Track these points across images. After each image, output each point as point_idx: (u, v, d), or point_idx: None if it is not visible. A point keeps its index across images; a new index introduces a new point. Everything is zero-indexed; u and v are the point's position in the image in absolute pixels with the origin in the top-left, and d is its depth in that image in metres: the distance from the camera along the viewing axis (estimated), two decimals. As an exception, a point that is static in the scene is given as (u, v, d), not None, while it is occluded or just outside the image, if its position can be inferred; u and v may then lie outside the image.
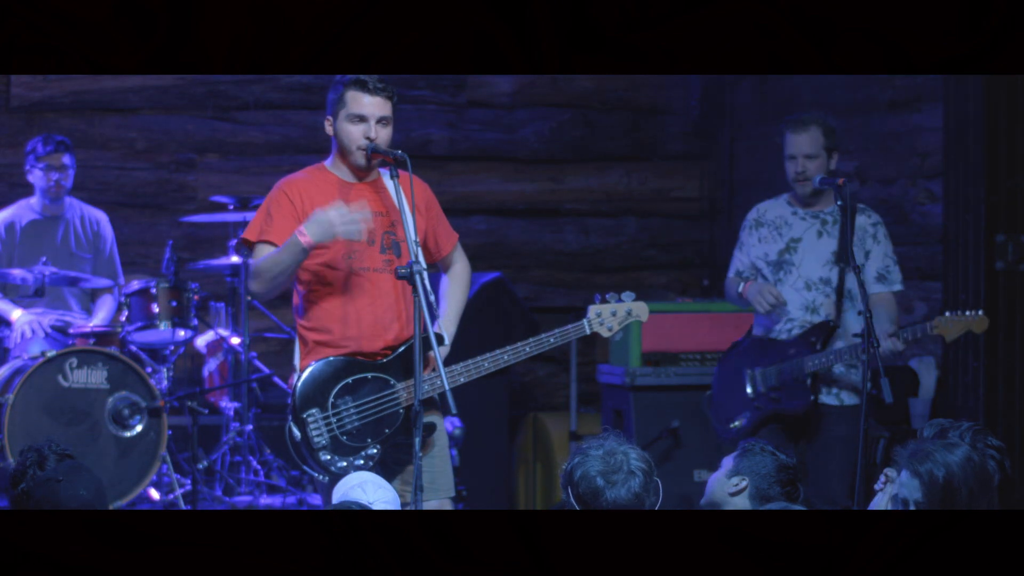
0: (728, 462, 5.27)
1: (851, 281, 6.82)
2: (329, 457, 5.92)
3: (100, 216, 8.62)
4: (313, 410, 5.95)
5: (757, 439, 5.37)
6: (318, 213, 5.84)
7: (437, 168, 9.93)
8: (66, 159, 8.36)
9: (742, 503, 5.15)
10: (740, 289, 7.04)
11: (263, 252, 5.97)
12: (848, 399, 6.86)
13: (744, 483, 5.17)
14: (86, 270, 8.47)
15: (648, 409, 8.44)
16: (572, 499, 4.75)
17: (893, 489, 4.73)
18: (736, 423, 6.97)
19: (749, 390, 6.98)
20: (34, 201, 8.47)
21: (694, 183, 10.42)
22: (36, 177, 8.40)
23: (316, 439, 5.93)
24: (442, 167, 10.01)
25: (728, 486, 5.20)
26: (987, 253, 7.83)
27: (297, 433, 5.95)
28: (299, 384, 5.95)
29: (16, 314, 8.28)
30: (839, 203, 6.56)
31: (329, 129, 6.02)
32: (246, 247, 6.11)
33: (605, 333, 6.18)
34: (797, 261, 6.94)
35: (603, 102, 10.24)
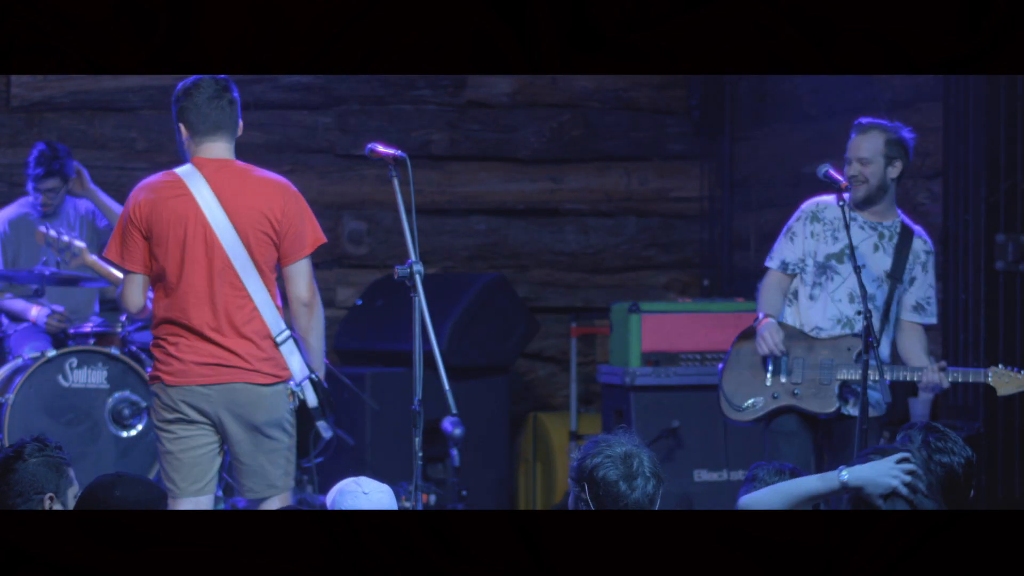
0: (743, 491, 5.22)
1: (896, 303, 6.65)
2: None
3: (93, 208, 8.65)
4: None
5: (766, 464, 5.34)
6: None
7: (437, 168, 9.93)
8: (53, 183, 8.34)
9: None
10: (759, 321, 6.68)
11: None
12: (873, 411, 6.50)
13: None
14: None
15: (648, 409, 8.43)
16: (587, 496, 4.73)
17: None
18: (748, 403, 6.60)
19: (769, 380, 6.65)
20: (33, 200, 8.50)
21: (694, 183, 10.41)
22: (29, 188, 8.42)
23: None
24: (442, 167, 10.00)
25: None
26: (987, 253, 7.82)
27: None
28: None
29: (35, 311, 8.28)
30: (841, 204, 6.43)
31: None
32: None
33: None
34: (844, 272, 6.62)
35: (603, 102, 10.24)
